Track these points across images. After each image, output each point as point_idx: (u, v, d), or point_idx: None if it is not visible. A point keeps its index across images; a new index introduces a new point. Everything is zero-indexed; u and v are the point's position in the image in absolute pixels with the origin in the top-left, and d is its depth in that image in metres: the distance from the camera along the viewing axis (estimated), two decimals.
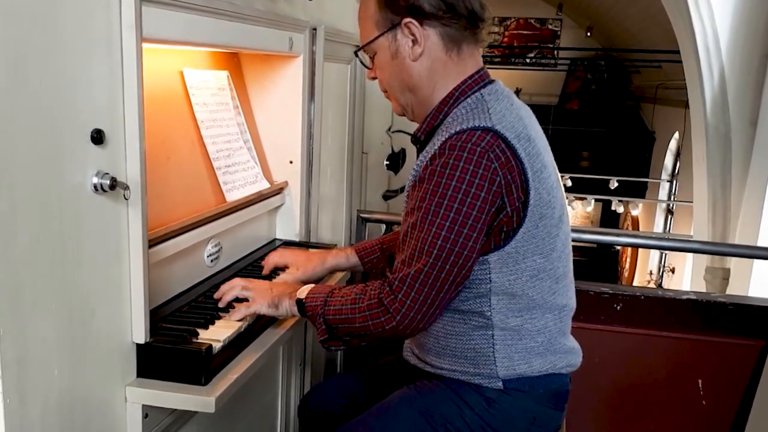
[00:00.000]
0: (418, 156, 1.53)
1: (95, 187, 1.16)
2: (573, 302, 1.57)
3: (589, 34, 11.72)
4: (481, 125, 1.35)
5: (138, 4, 1.20)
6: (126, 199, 1.23)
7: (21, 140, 1.00)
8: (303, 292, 1.54)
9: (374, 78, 1.58)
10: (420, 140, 1.55)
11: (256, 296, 1.57)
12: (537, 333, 1.47)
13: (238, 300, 1.58)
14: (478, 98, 1.44)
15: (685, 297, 2.34)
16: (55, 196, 1.08)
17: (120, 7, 1.19)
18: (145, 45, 1.25)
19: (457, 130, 1.36)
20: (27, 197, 1.02)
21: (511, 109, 1.43)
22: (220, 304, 1.57)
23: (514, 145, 1.35)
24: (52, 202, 1.08)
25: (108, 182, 1.16)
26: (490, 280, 1.42)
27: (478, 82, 1.47)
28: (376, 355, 1.94)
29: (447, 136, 1.36)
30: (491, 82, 1.49)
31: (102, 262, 1.22)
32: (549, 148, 1.50)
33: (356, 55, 1.59)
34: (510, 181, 1.34)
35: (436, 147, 1.37)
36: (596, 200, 10.35)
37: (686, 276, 8.38)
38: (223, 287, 1.59)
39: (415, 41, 1.44)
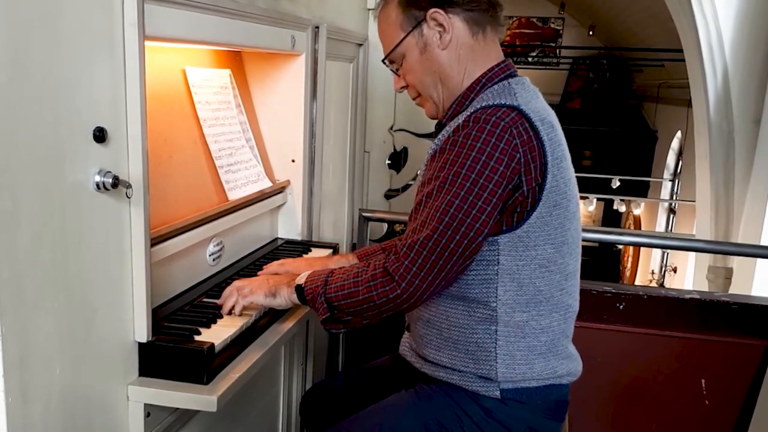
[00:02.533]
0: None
1: (97, 185, 1.16)
2: (577, 305, 1.56)
3: (591, 32, 11.70)
4: (507, 103, 1.36)
5: (140, 2, 1.20)
6: (128, 198, 1.23)
7: (23, 138, 1.00)
8: (302, 278, 1.53)
9: (403, 88, 1.58)
10: (444, 126, 1.54)
11: (253, 287, 1.56)
12: (541, 332, 1.46)
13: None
14: (504, 85, 1.45)
15: (688, 296, 2.33)
16: (57, 195, 1.08)
17: (122, 4, 1.18)
18: (147, 43, 1.25)
19: (483, 105, 1.37)
20: (29, 195, 1.02)
21: (537, 99, 1.45)
22: (224, 312, 1.55)
23: (538, 127, 1.35)
24: (54, 200, 1.07)
25: (110, 180, 1.16)
26: (498, 262, 1.41)
27: (504, 70, 1.49)
28: (378, 354, 1.94)
29: (472, 111, 1.37)
30: (517, 75, 1.51)
31: (104, 261, 1.21)
32: (567, 149, 1.50)
33: (384, 64, 1.58)
34: (530, 160, 1.34)
35: (460, 121, 1.37)
36: (598, 199, 10.34)
37: (689, 275, 8.37)
38: (225, 294, 1.58)
39: (443, 30, 1.46)
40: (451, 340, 1.50)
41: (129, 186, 1.21)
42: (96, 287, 1.20)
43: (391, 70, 1.58)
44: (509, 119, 1.33)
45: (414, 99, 1.60)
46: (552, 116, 1.45)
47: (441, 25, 1.45)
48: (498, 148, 1.31)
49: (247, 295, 1.55)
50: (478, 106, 1.37)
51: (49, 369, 1.11)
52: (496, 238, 1.39)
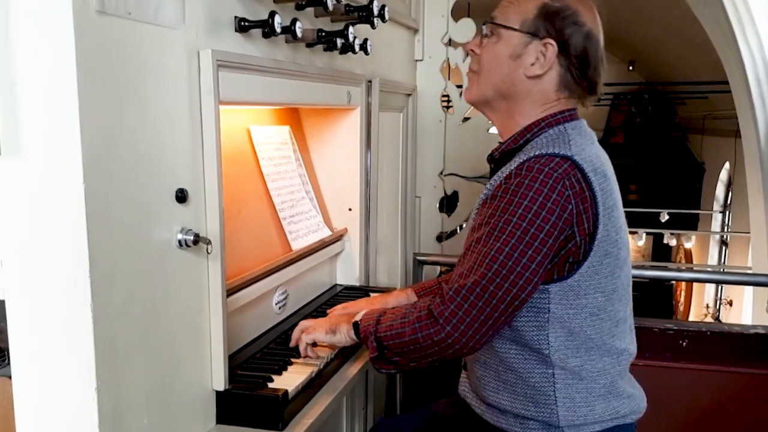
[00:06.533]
0: (491, 176, 1.55)
1: (180, 243, 1.23)
2: (633, 348, 1.56)
3: (631, 68, 11.67)
4: (561, 153, 1.37)
5: (215, 71, 1.28)
6: (209, 254, 1.30)
7: (116, 204, 1.08)
8: (359, 315, 1.57)
9: (471, 51, 1.56)
10: (495, 159, 1.57)
11: (315, 325, 1.61)
12: (598, 375, 1.46)
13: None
14: (561, 130, 1.46)
15: (752, 331, 2.30)
16: (146, 254, 1.16)
17: (199, 73, 1.27)
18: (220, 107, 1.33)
19: (536, 154, 1.38)
20: (122, 257, 1.10)
21: (591, 146, 1.46)
22: (302, 354, 1.61)
23: (590, 178, 1.36)
24: (143, 259, 1.15)
25: (191, 238, 1.24)
26: (549, 310, 1.41)
27: (567, 118, 1.49)
28: (436, 395, 1.95)
29: (525, 159, 1.39)
30: (576, 118, 1.52)
31: (186, 314, 1.28)
32: (620, 195, 1.51)
33: (483, 24, 1.55)
34: (581, 211, 1.35)
35: (512, 168, 1.39)
36: (647, 234, 10.16)
37: (746, 308, 8.12)
38: (294, 336, 1.64)
39: (540, 60, 1.46)
40: (509, 383, 1.50)
41: (209, 242, 1.28)
42: (179, 339, 1.26)
43: (481, 32, 1.54)
44: (562, 170, 1.34)
45: (468, 71, 1.59)
46: (605, 164, 1.46)
47: (544, 55, 1.45)
48: (550, 199, 1.32)
49: (309, 332, 1.60)
50: (532, 154, 1.39)
51: (139, 419, 1.17)
52: (547, 286, 1.40)
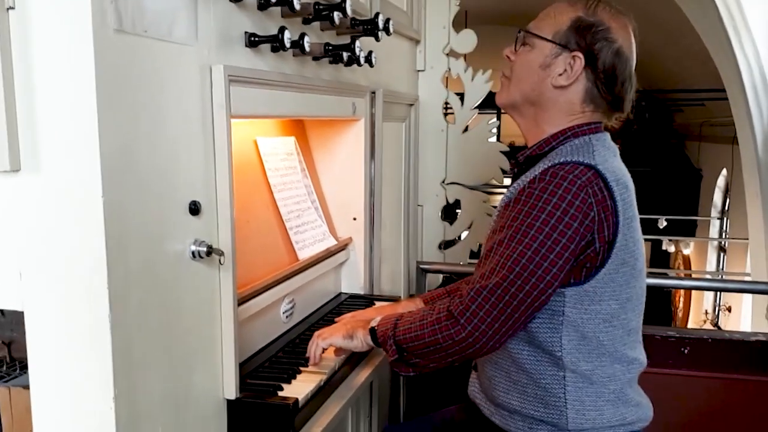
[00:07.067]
0: (513, 181, 1.59)
1: (193, 254, 1.26)
2: (643, 359, 1.59)
3: None
4: (585, 161, 1.41)
5: (227, 85, 1.31)
6: (221, 264, 1.32)
7: (132, 216, 1.10)
8: (375, 321, 1.60)
9: (506, 57, 1.61)
10: (519, 163, 1.61)
11: (332, 332, 1.63)
12: (608, 380, 1.49)
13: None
14: (585, 141, 1.50)
15: (753, 338, 2.32)
16: (160, 265, 1.18)
17: (211, 88, 1.30)
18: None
19: (561, 161, 1.42)
20: (138, 268, 1.12)
21: (614, 159, 1.50)
22: (311, 362, 1.62)
23: (612, 187, 1.40)
24: (157, 270, 1.17)
25: (204, 249, 1.26)
26: (563, 313, 1.44)
27: (592, 130, 1.53)
28: (441, 400, 1.97)
29: (549, 165, 1.42)
30: (601, 131, 1.55)
31: (199, 324, 1.30)
32: (637, 209, 1.53)
33: (518, 32, 1.59)
34: (603, 219, 1.39)
35: (536, 173, 1.42)
36: (646, 240, 10.18)
37: (745, 314, 8.14)
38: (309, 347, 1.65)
39: (567, 72, 1.49)
40: (520, 384, 1.53)
41: (222, 254, 1.30)
42: (192, 349, 1.28)
43: (516, 41, 1.59)
44: (585, 178, 1.38)
45: (502, 76, 1.63)
46: (626, 177, 1.50)
47: (571, 67, 1.49)
48: (573, 205, 1.36)
49: (326, 337, 1.62)
50: (556, 161, 1.42)
51: (153, 428, 1.19)
52: (563, 290, 1.43)
